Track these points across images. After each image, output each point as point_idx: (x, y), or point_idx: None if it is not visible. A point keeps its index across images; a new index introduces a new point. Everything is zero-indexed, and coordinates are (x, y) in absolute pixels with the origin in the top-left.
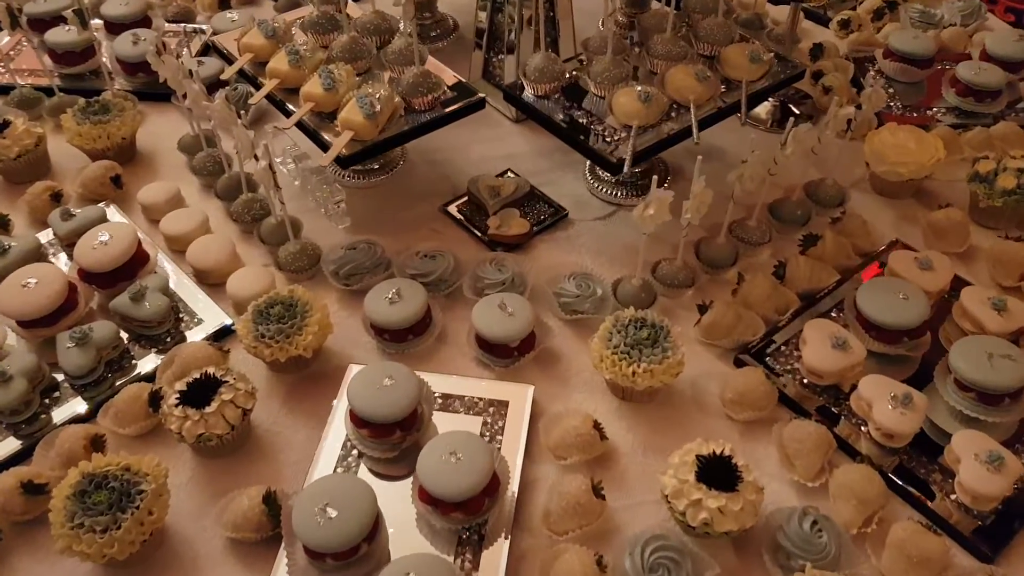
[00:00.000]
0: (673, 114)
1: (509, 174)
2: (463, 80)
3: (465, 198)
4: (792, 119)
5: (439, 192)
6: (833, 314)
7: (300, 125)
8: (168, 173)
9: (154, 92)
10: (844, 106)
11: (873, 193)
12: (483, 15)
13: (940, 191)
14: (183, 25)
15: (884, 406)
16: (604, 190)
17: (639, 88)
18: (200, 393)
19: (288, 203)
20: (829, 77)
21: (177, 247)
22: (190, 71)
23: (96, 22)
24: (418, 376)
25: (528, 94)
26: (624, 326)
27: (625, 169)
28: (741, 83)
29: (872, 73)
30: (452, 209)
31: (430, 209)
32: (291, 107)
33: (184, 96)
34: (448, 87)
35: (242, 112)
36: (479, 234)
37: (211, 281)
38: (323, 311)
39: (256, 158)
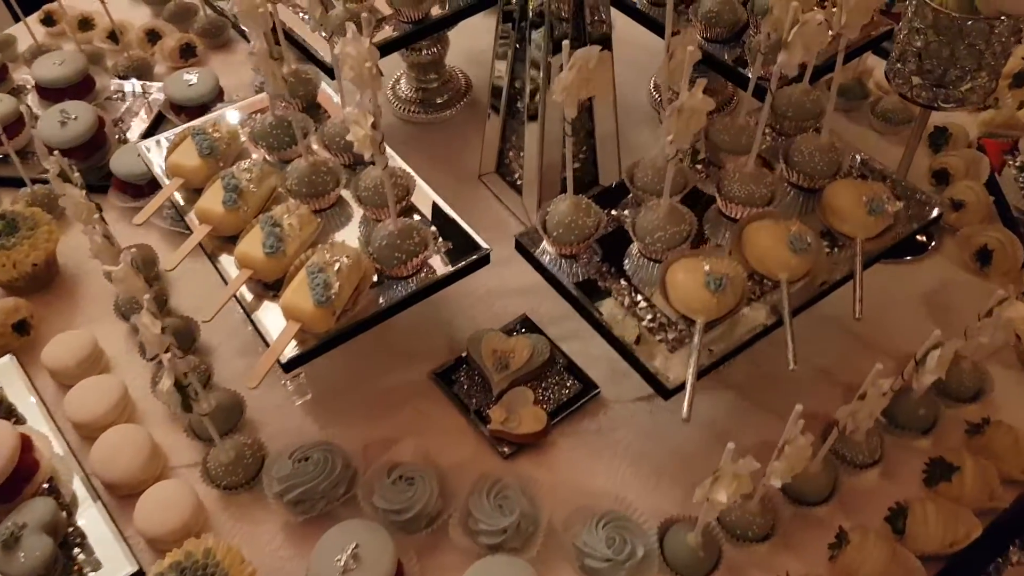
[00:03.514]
0: (753, 294)
1: (522, 327)
2: (463, 226)
3: (464, 362)
4: (936, 335)
5: (430, 348)
6: None
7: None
8: (93, 307)
9: (88, 183)
10: (1014, 299)
11: (1020, 368)
12: (501, 66)
13: None
14: (134, 83)
15: None
16: None
17: (707, 267)
18: None
19: (237, 361)
20: (960, 188)
21: (87, 434)
22: (98, 208)
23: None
24: None
25: (548, 250)
26: None
27: (684, 414)
28: (855, 243)
29: (1013, 166)
30: (446, 376)
31: (417, 375)
32: (223, 268)
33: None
34: (437, 231)
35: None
36: (479, 421)
37: (122, 494)
38: None
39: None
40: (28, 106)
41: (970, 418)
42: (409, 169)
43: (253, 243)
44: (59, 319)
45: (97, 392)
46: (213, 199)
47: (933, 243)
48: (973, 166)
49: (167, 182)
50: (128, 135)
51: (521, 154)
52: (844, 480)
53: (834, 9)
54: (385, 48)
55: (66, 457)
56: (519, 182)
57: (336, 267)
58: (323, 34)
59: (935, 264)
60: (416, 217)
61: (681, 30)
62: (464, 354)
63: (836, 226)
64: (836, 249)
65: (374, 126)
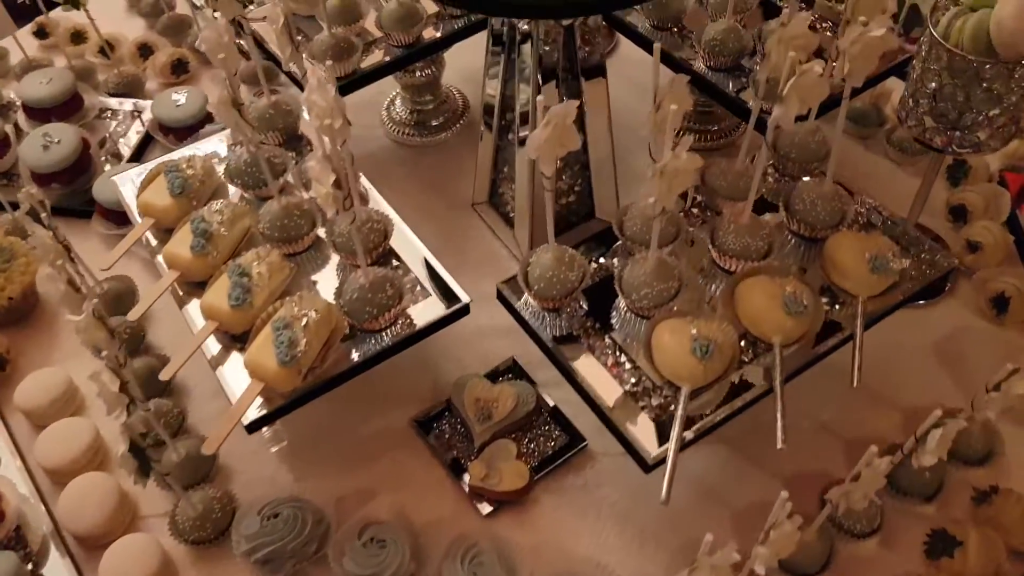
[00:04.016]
0: (745, 356)
1: (509, 371)
2: (443, 274)
3: (448, 408)
4: (937, 415)
5: (413, 392)
6: None
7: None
8: (72, 341)
9: (72, 208)
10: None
11: None
12: (493, 86)
13: None
14: (126, 101)
15: None
16: None
17: (694, 331)
18: None
19: (214, 402)
20: (978, 228)
21: (58, 480)
22: (68, 249)
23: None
24: None
25: (530, 303)
26: None
27: (662, 497)
28: (856, 301)
29: None
30: (428, 424)
31: (398, 422)
32: (191, 318)
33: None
34: (418, 280)
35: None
36: (458, 475)
37: (90, 545)
38: None
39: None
40: (16, 125)
41: (978, 483)
42: (388, 209)
43: (219, 294)
44: (38, 352)
45: (68, 436)
46: (181, 243)
47: (948, 286)
48: (993, 202)
49: (139, 220)
50: (114, 158)
51: (513, 185)
52: (840, 549)
53: (836, 61)
54: (374, 74)
55: (36, 503)
56: (512, 214)
57: (304, 322)
58: (307, 61)
59: (948, 309)
60: (395, 262)
61: (672, 79)
62: (448, 400)
63: (837, 282)
64: (837, 306)
65: (337, 184)
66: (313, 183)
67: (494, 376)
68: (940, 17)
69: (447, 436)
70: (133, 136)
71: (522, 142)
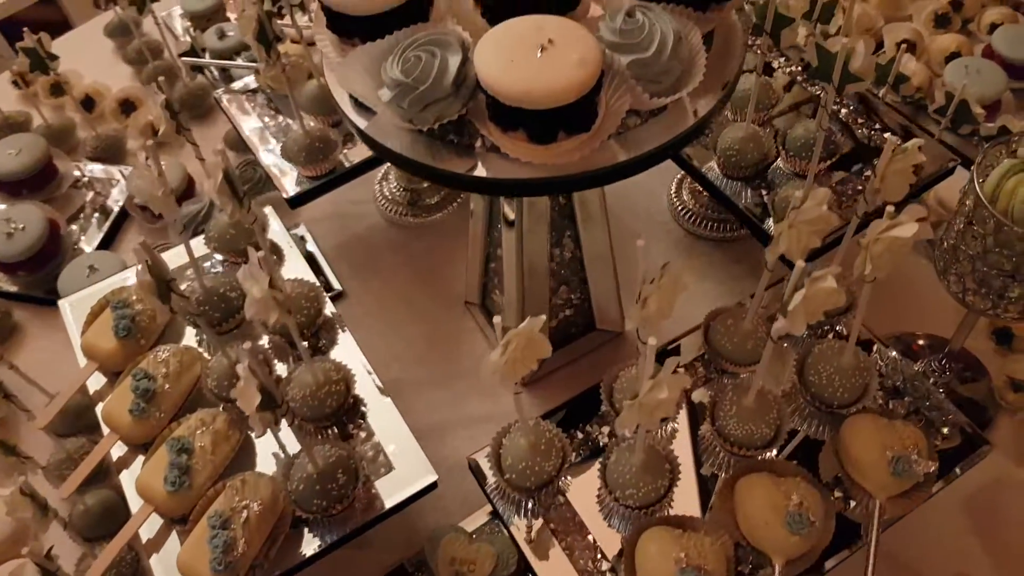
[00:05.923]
0: (743, 566)
1: (493, 517)
2: (408, 436)
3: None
4: None
5: (389, 540)
6: None
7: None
8: (38, 446)
9: (38, 297)
10: None
11: None
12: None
13: None
14: (105, 168)
15: None
16: None
17: (682, 555)
18: None
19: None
20: None
21: None
22: (8, 396)
23: None
24: None
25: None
26: None
27: None
28: (872, 502)
29: None
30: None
31: (374, 569)
32: (128, 486)
33: None
34: (382, 449)
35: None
36: None
37: None
38: None
39: None
40: None
41: None
42: (356, 352)
43: (156, 472)
44: None
45: None
46: (120, 402)
47: (983, 428)
48: None
49: (82, 362)
50: (101, 216)
51: (504, 297)
52: None
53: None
54: (357, 170)
55: None
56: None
57: (244, 516)
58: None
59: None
60: (359, 421)
61: (663, 268)
62: (421, 553)
63: (853, 476)
64: (850, 502)
65: (267, 404)
66: (239, 398)
67: (477, 529)
68: (990, 169)
69: None
70: (111, 207)
71: (511, 222)
